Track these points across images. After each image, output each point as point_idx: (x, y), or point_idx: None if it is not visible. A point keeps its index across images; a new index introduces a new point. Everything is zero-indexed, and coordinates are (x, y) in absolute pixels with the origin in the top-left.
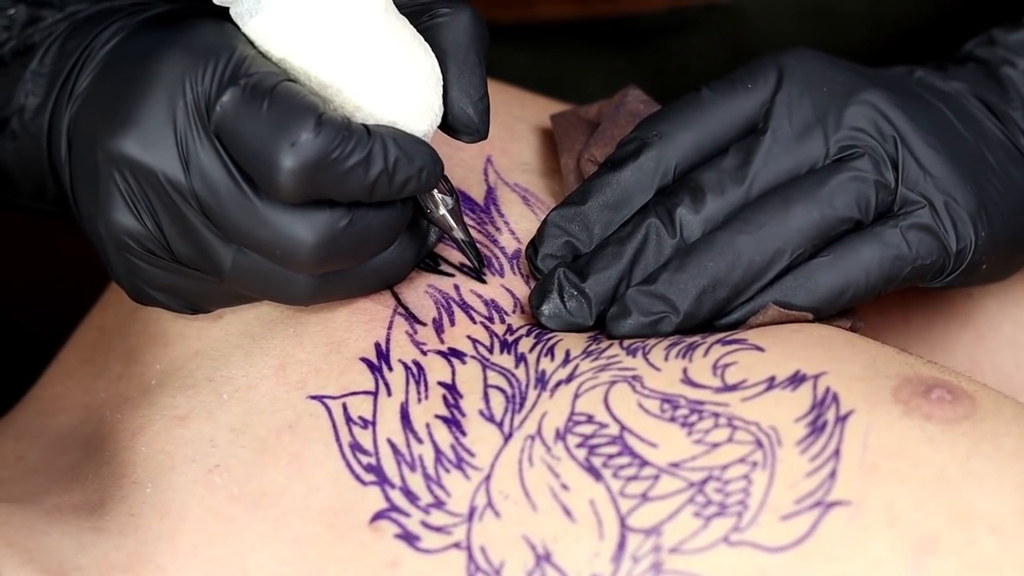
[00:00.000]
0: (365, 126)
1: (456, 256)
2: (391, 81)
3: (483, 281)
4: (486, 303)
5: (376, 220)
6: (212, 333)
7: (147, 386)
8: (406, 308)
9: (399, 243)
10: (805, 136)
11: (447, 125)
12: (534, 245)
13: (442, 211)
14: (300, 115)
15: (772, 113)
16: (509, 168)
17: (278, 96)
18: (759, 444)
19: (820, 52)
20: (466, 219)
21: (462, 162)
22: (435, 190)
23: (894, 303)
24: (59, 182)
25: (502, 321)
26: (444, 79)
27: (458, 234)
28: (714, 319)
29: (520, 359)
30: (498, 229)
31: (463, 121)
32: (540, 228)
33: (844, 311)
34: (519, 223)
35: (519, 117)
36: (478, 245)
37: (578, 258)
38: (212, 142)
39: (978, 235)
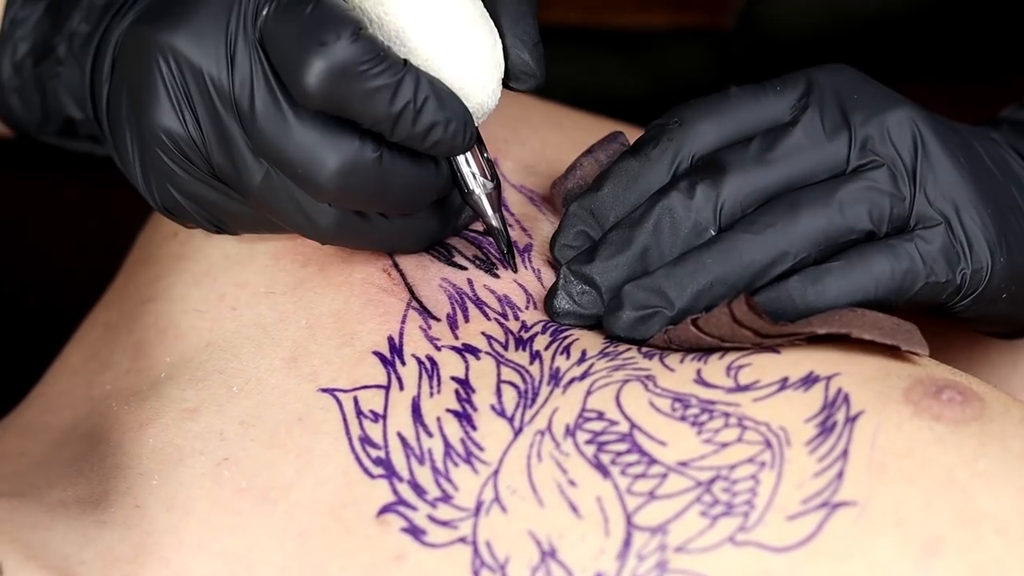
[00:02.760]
0: (405, 60)
1: (470, 249)
2: (461, 44)
3: (515, 270)
4: (499, 299)
5: (404, 168)
6: (224, 325)
7: (156, 379)
8: (420, 302)
9: (428, 212)
10: (834, 137)
11: (509, 75)
12: (555, 236)
13: (479, 192)
14: (339, 22)
15: (805, 110)
16: (514, 170)
17: (323, 4)
18: (768, 444)
19: (855, 70)
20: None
21: None
22: (476, 172)
23: None
24: (96, 107)
25: (516, 318)
26: (498, 28)
27: (493, 220)
28: None
29: (535, 356)
30: (509, 226)
31: (520, 67)
32: (562, 218)
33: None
34: (527, 222)
35: (522, 119)
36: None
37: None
38: (256, 48)
39: (995, 260)
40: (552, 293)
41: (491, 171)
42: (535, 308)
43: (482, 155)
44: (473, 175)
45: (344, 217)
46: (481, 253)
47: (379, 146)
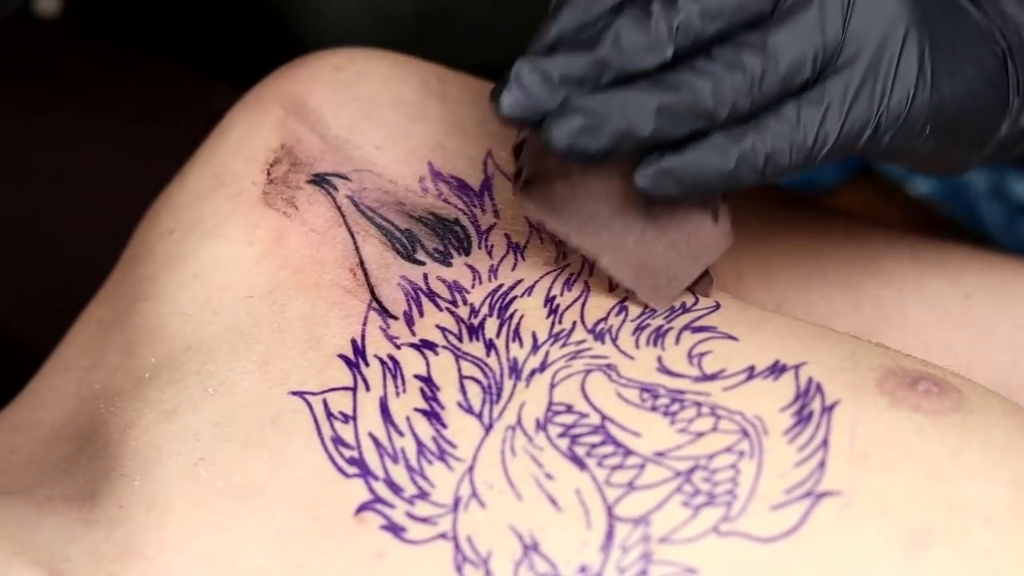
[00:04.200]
0: None
1: (432, 242)
2: None
3: None
4: (449, 286)
5: None
6: (207, 328)
7: (140, 379)
8: (379, 302)
9: None
10: None
11: None
12: (494, 93)
13: None
14: None
15: None
16: (507, 160)
17: None
18: (745, 433)
19: None
20: (458, 202)
21: (466, 155)
22: None
23: (891, 301)
24: None
25: (464, 302)
26: None
27: None
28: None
29: (489, 346)
30: (483, 211)
31: None
32: (504, 76)
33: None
34: (505, 207)
35: None
36: (463, 225)
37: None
38: None
39: (919, 91)
40: (500, 87)
41: None
42: (479, 284)
43: None
44: None
45: None
46: (440, 245)
47: None
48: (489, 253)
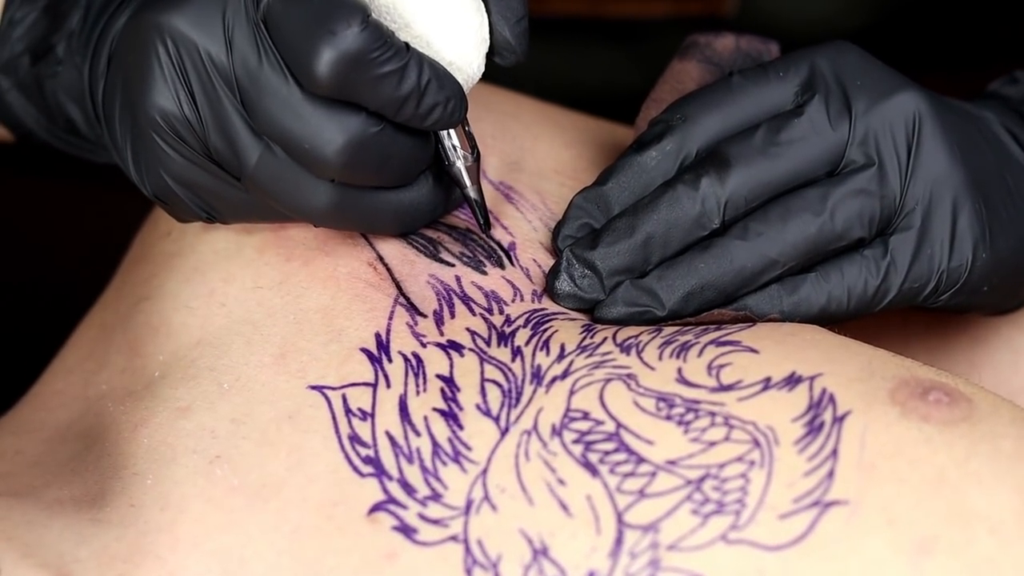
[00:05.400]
0: (407, 44)
1: (456, 246)
2: (453, 20)
3: (487, 229)
4: (486, 295)
5: (402, 141)
6: (215, 322)
7: (150, 378)
8: (408, 298)
9: (419, 186)
10: (837, 125)
11: (493, 50)
12: (558, 227)
13: (460, 165)
14: (348, 11)
15: (810, 98)
16: (496, 167)
17: None
18: (756, 443)
19: (859, 48)
20: (459, 212)
21: None
22: (459, 145)
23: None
24: (94, 104)
25: (501, 312)
26: (485, 3)
27: (471, 192)
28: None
29: (516, 352)
30: (492, 225)
31: (501, 44)
32: (566, 210)
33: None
34: (506, 219)
35: (513, 116)
36: (481, 237)
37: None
38: (258, 27)
39: (977, 255)
40: (555, 274)
41: (472, 143)
42: (521, 301)
43: (464, 128)
44: (454, 147)
45: (342, 194)
46: (467, 251)
47: (381, 120)
48: (527, 275)
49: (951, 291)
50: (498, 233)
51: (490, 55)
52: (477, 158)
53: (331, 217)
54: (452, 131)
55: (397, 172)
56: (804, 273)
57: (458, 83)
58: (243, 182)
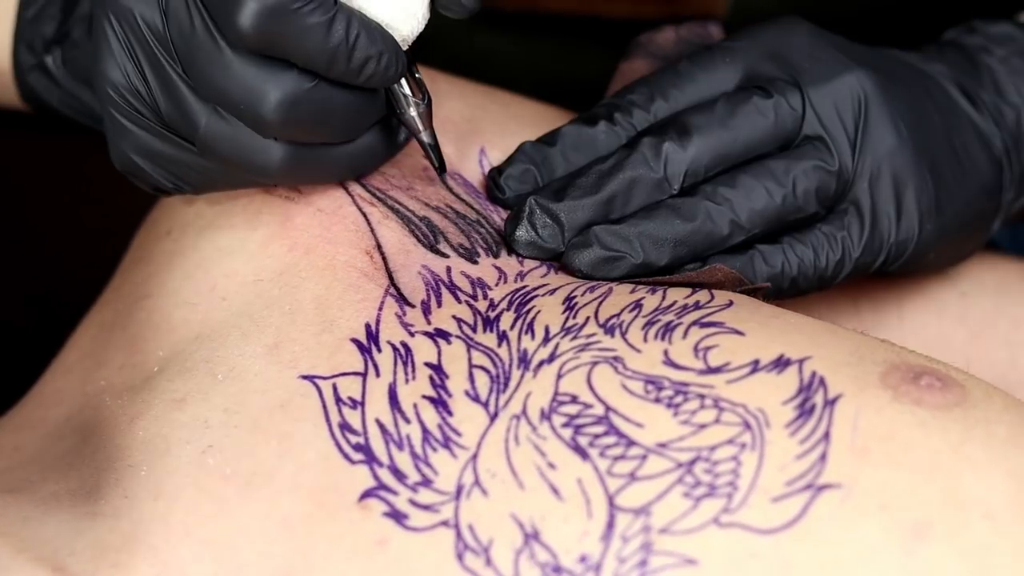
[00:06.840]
0: (335, 0)
1: (457, 238)
2: None
3: (442, 171)
4: (472, 282)
5: (341, 97)
6: (214, 316)
7: (149, 373)
8: (398, 289)
9: (371, 134)
10: (789, 106)
11: (437, 3)
12: (499, 168)
13: (412, 112)
14: None
15: (760, 80)
16: (499, 160)
17: None
18: (747, 426)
19: (809, 24)
20: (465, 197)
21: (459, 149)
22: (410, 93)
23: (889, 301)
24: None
25: (485, 297)
26: None
27: (424, 136)
28: (667, 272)
29: (502, 337)
30: (491, 211)
31: None
32: (512, 154)
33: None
34: (504, 211)
35: (514, 116)
36: (488, 227)
37: (552, 184)
38: None
39: (923, 227)
40: (515, 221)
41: (422, 89)
42: (504, 283)
43: (413, 76)
44: (405, 96)
45: (292, 151)
46: (467, 242)
47: (314, 76)
48: (520, 262)
49: (899, 262)
50: (498, 220)
51: (437, 9)
52: (428, 103)
53: (285, 174)
54: (403, 80)
55: (341, 128)
56: (769, 244)
57: (391, 38)
58: (197, 147)
